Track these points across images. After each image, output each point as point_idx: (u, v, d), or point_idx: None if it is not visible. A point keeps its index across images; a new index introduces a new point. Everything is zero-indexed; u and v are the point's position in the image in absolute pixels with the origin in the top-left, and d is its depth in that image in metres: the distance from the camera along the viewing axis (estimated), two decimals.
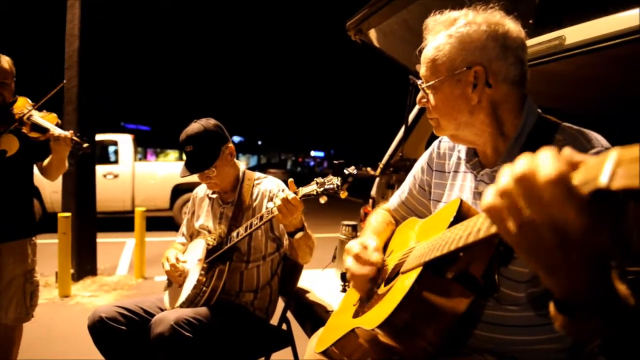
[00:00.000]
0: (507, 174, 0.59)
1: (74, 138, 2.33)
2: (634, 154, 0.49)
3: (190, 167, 2.19)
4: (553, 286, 0.65)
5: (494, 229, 0.70)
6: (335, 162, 1.79)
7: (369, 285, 1.26)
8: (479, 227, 0.77)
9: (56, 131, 2.28)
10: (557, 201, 0.55)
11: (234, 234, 2.12)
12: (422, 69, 1.25)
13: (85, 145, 2.38)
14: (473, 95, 1.17)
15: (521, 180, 0.57)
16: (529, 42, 2.07)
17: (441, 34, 1.20)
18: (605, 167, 0.51)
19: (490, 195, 0.62)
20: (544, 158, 0.56)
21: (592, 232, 0.55)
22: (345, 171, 1.77)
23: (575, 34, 1.88)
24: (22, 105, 2.34)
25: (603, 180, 0.50)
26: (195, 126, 2.21)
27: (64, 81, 2.47)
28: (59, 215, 4.88)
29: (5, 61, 2.25)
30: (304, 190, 1.89)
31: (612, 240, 0.56)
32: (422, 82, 1.25)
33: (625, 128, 2.54)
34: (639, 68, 2.11)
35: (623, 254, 0.74)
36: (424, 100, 1.28)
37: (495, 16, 1.19)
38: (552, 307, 0.69)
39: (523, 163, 0.58)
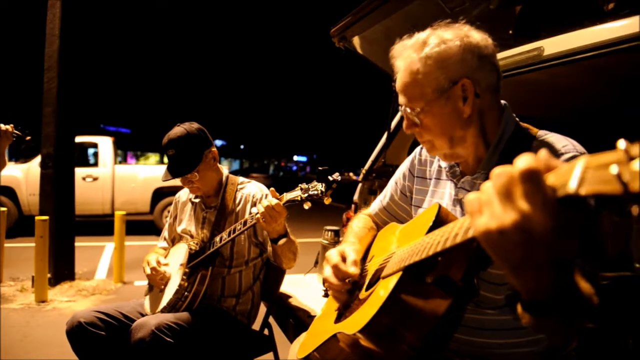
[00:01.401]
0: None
1: (15, 132, 2.30)
2: (602, 160, 0.51)
3: (172, 171, 2.19)
4: (518, 285, 0.68)
5: (470, 234, 0.72)
6: (319, 168, 1.81)
7: (346, 297, 1.28)
8: (456, 232, 0.79)
9: None
10: (527, 196, 0.58)
11: (217, 238, 2.12)
12: (404, 98, 1.23)
13: (28, 138, 2.35)
14: (465, 108, 1.17)
15: (498, 176, 0.61)
16: (509, 52, 2.13)
17: (415, 58, 1.19)
18: (574, 173, 0.53)
19: (474, 192, 0.66)
20: (521, 158, 0.59)
21: (559, 235, 0.58)
22: (330, 177, 1.79)
23: (554, 45, 1.93)
24: None
25: (572, 186, 0.53)
26: (178, 130, 2.20)
27: None
28: (37, 218, 4.79)
29: None
30: (288, 196, 1.89)
31: (581, 247, 0.59)
32: (411, 110, 1.22)
33: (603, 133, 2.61)
34: (614, 78, 2.18)
35: (597, 261, 0.77)
36: (413, 126, 1.25)
37: (462, 29, 1.21)
38: (518, 305, 0.72)
39: (503, 166, 0.62)
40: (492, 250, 0.64)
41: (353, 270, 1.28)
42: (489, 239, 0.63)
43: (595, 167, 0.51)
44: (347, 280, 1.28)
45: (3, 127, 2.26)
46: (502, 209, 0.60)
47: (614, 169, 0.49)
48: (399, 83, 1.24)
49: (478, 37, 1.20)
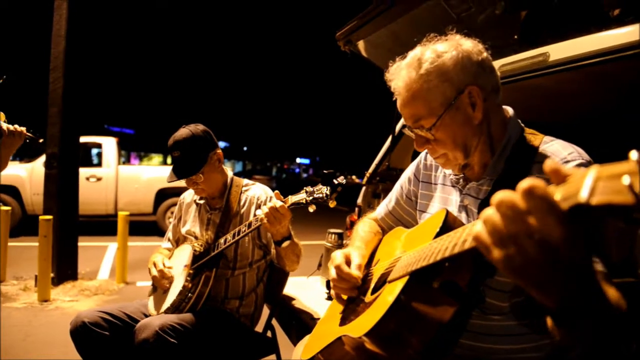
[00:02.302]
0: (489, 207, 0.64)
1: (29, 134, 2.32)
2: (613, 170, 0.51)
3: (177, 173, 2.19)
4: (545, 300, 0.67)
5: None
6: (324, 171, 1.81)
7: (348, 298, 1.29)
8: (464, 238, 0.79)
9: (10, 126, 2.27)
10: (535, 211, 0.58)
11: (221, 240, 2.12)
12: (411, 118, 1.22)
13: (41, 140, 2.37)
14: (476, 114, 1.17)
15: (500, 203, 0.61)
16: (514, 58, 2.13)
17: (415, 76, 1.18)
18: (585, 183, 0.53)
19: (477, 225, 0.66)
20: (523, 181, 0.60)
21: (573, 243, 0.58)
22: (335, 181, 1.79)
23: (559, 51, 1.94)
24: None
25: (583, 196, 0.53)
26: (183, 131, 2.21)
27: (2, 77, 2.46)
28: (40, 217, 4.81)
29: None
30: (293, 199, 1.90)
31: (589, 252, 0.59)
32: (419, 128, 1.21)
33: (606, 139, 2.62)
34: (619, 84, 2.18)
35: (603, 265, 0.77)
36: (426, 143, 1.24)
37: (454, 38, 1.21)
38: (549, 320, 0.71)
39: (501, 192, 0.62)
40: (519, 278, 0.64)
41: (356, 273, 1.29)
42: (516, 271, 0.63)
43: (606, 178, 0.51)
44: (351, 282, 1.28)
45: (18, 128, 2.27)
46: (524, 245, 0.60)
47: (626, 180, 0.49)
48: (401, 104, 1.24)
49: (469, 44, 1.21)
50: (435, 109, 1.18)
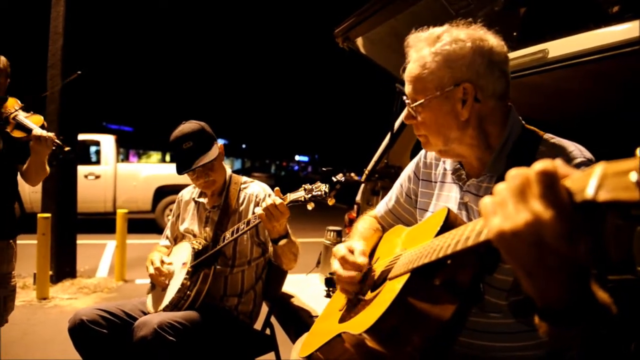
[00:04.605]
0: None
1: (56, 141, 2.29)
2: (620, 167, 0.51)
3: (191, 163, 2.14)
4: (533, 292, 0.67)
5: (483, 237, 0.72)
6: (323, 169, 1.81)
7: (355, 288, 1.27)
8: (467, 235, 0.79)
9: (38, 131, 2.24)
10: (541, 197, 0.58)
11: (220, 238, 2.12)
12: (408, 88, 1.24)
13: (67, 149, 2.34)
14: (463, 111, 1.17)
15: (513, 177, 0.62)
16: (513, 54, 2.12)
17: (425, 51, 1.19)
18: (592, 180, 0.53)
19: (488, 196, 0.66)
20: (539, 161, 0.60)
21: (569, 239, 0.57)
22: (333, 178, 1.79)
23: (558, 47, 1.93)
24: (11, 105, 2.32)
25: (589, 193, 0.53)
26: (190, 125, 2.22)
27: (76, 72, 2.46)
28: (39, 215, 4.79)
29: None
30: (291, 196, 1.90)
31: (590, 251, 0.59)
32: (410, 101, 1.24)
33: (604, 138, 2.61)
34: (618, 81, 2.17)
35: (602, 263, 0.77)
36: (411, 118, 1.26)
37: (478, 32, 1.20)
38: (536, 318, 0.71)
39: (519, 168, 0.62)
40: (507, 253, 0.63)
41: (362, 259, 1.28)
42: (502, 240, 0.62)
43: (613, 174, 0.51)
44: (357, 272, 1.27)
45: (45, 134, 2.22)
46: (515, 210, 0.60)
47: (633, 176, 0.49)
48: (407, 72, 1.25)
49: (494, 41, 1.19)
50: (428, 90, 1.19)
